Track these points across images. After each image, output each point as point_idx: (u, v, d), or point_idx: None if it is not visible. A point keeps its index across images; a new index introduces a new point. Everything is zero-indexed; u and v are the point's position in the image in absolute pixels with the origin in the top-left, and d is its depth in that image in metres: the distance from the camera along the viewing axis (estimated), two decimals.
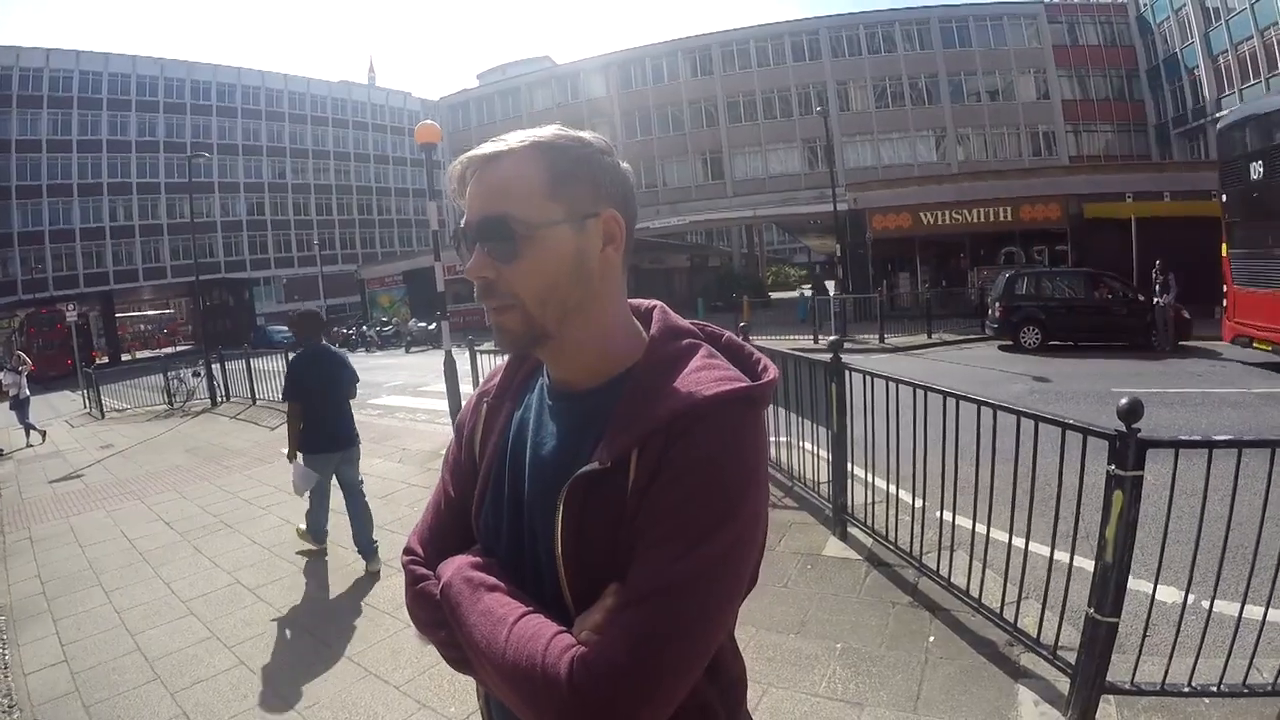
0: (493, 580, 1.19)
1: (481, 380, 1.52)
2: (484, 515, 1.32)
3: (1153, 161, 45.54)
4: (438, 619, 1.23)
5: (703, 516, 1.06)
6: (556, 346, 1.23)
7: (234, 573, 6.81)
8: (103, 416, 20.86)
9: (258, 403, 17.95)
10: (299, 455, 6.71)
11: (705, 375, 1.15)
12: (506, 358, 1.45)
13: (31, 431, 17.31)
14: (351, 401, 7.08)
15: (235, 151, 71.68)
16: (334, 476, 6.87)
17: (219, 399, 19.80)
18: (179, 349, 58.33)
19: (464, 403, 1.55)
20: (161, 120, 67.18)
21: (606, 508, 1.11)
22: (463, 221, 1.22)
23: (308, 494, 6.85)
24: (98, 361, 31.42)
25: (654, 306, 1.35)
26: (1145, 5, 50.77)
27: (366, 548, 6.63)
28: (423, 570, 1.33)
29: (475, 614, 1.14)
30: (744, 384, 1.14)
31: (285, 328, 54.03)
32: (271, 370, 17.40)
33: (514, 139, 1.20)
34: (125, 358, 53.97)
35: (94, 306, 56.81)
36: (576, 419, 1.23)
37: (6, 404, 17.99)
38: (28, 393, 18.00)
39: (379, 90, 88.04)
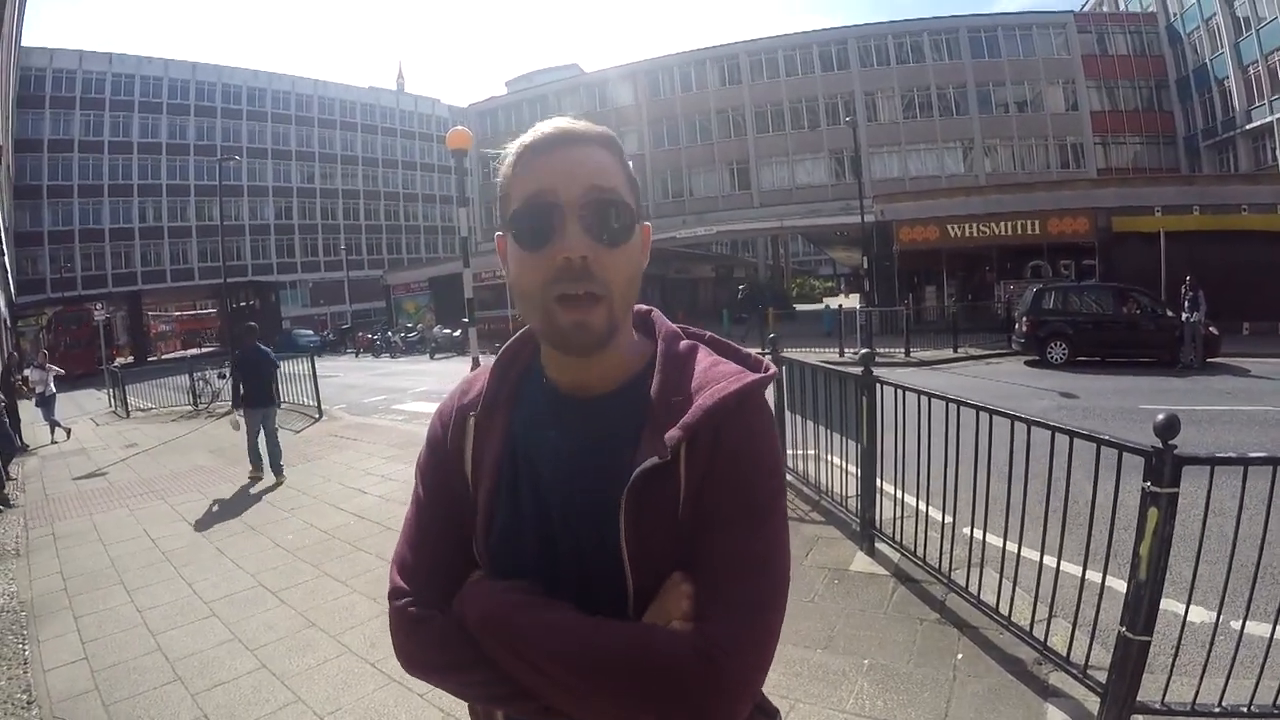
0: (543, 599, 1.16)
1: (457, 392, 1.39)
2: (495, 538, 1.24)
3: (1182, 174, 45.14)
4: (454, 660, 1.19)
5: (762, 494, 1.16)
6: (605, 349, 1.20)
7: (256, 575, 6.84)
8: (128, 416, 21.11)
9: (282, 406, 17.94)
10: (239, 411, 11.30)
11: (723, 370, 1.22)
12: (488, 367, 1.35)
13: (57, 429, 17.52)
14: (278, 373, 12.30)
15: (264, 155, 72.44)
16: (261, 424, 11.01)
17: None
18: (205, 350, 58.74)
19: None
20: (192, 123, 68.05)
21: (663, 501, 1.14)
22: (529, 196, 1.16)
23: (245, 434, 11.13)
24: (119, 361, 31.58)
25: (649, 310, 1.38)
26: (1175, 15, 50.34)
27: (276, 467, 10.85)
28: (423, 611, 1.23)
29: (547, 632, 1.11)
30: (759, 376, 1.21)
31: (311, 332, 54.73)
32: (297, 374, 17.54)
33: (591, 127, 1.20)
34: (152, 358, 54.32)
35: (121, 306, 57.33)
36: (603, 422, 1.22)
37: (33, 400, 18.21)
38: (54, 389, 18.20)
39: (408, 96, 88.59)
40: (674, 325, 1.34)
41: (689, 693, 1.05)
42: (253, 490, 10.38)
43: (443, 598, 1.23)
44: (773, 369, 1.25)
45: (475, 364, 10.94)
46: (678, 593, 1.12)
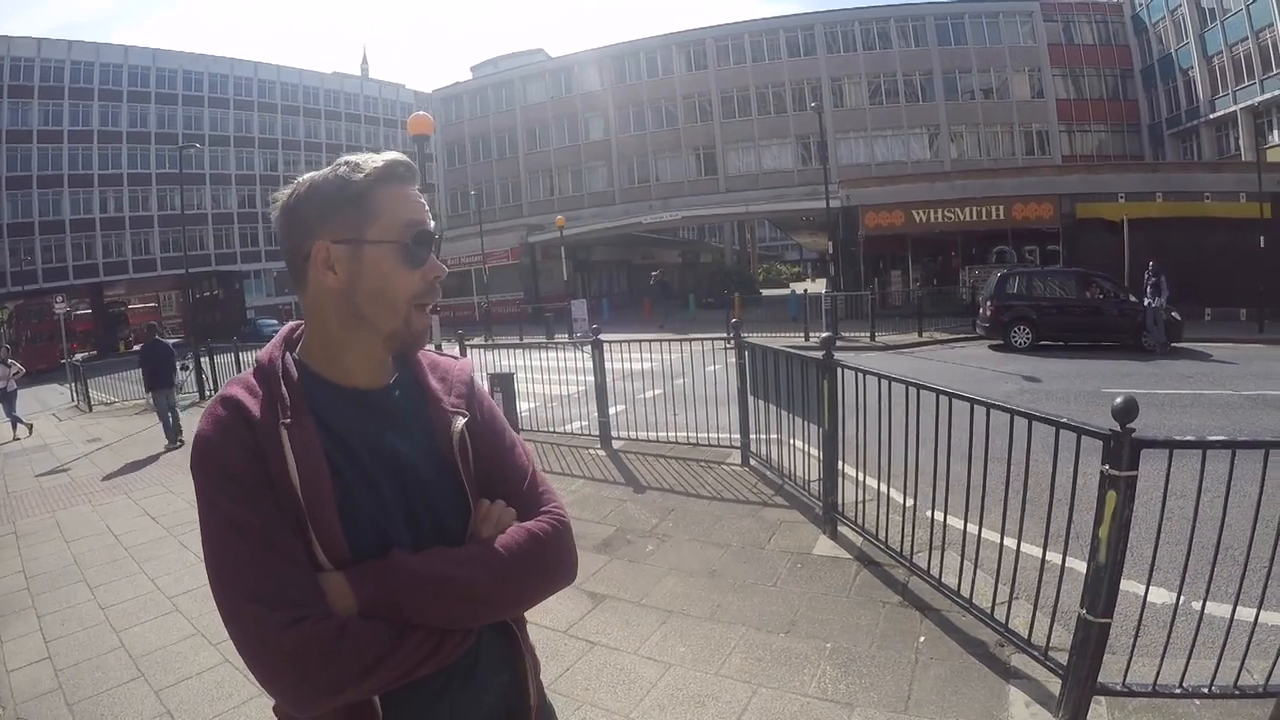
0: (426, 555, 1.35)
1: (229, 421, 1.32)
2: (354, 525, 1.30)
3: (1146, 162, 45.72)
4: (385, 648, 1.24)
5: (507, 429, 1.64)
6: None
7: None
8: (90, 410, 20.77)
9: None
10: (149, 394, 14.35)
11: (444, 358, 1.65)
12: (253, 377, 1.38)
13: (18, 425, 17.23)
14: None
15: (227, 143, 71.61)
16: (166, 401, 13.83)
17: (208, 392, 19.71)
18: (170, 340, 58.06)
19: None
20: (153, 111, 67.06)
21: (466, 449, 1.49)
22: (418, 224, 1.43)
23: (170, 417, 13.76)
24: (78, 355, 31.18)
25: None
26: (1140, 5, 50.82)
27: (174, 433, 13.68)
28: (337, 619, 1.22)
29: (465, 565, 1.35)
30: (467, 360, 1.71)
31: (276, 321, 54.26)
32: None
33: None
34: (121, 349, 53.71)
35: (83, 298, 56.60)
36: (400, 404, 1.48)
37: None
38: (15, 386, 17.91)
39: (372, 82, 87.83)
40: None
41: (567, 548, 1.51)
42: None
43: (328, 607, 1.23)
44: (469, 357, 1.58)
45: (439, 351, 10.85)
46: (498, 508, 1.48)
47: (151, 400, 14.29)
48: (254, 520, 1.24)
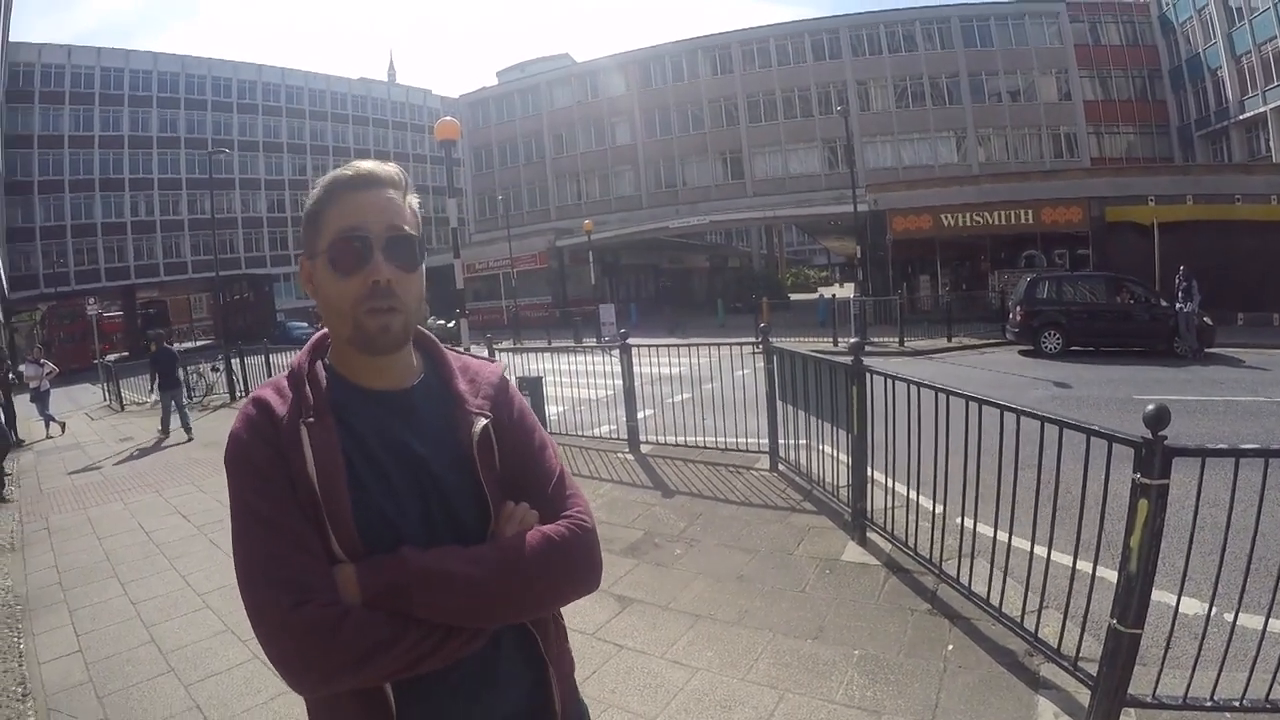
0: (436, 552, 1.37)
1: (257, 418, 1.43)
2: (366, 520, 1.36)
3: (1175, 164, 45.20)
4: (385, 638, 1.28)
5: (542, 435, 1.66)
6: (402, 353, 1.51)
7: None
8: (122, 409, 21.03)
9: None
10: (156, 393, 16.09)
11: (475, 361, 1.69)
12: (286, 380, 1.49)
13: (51, 423, 17.50)
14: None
15: (256, 148, 72.26)
16: (173, 400, 15.58)
17: (238, 394, 19.93)
18: (199, 344, 58.64)
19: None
20: (183, 116, 67.76)
21: (490, 450, 1.51)
22: (341, 231, 1.42)
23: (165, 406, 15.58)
24: (110, 355, 31.55)
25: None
26: (1168, 4, 50.37)
27: (187, 429, 15.26)
28: (340, 607, 1.28)
29: (472, 563, 1.37)
30: (501, 363, 1.84)
31: (305, 324, 54.63)
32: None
33: (391, 169, 1.51)
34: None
35: (115, 300, 57.16)
36: (423, 406, 1.51)
37: (28, 395, 18.20)
38: (48, 385, 18.18)
39: (399, 87, 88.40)
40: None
41: (587, 553, 1.52)
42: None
43: (336, 595, 1.30)
44: (502, 360, 1.76)
45: (468, 354, 10.90)
46: (522, 510, 1.50)
47: (160, 399, 16.00)
48: (273, 512, 1.34)
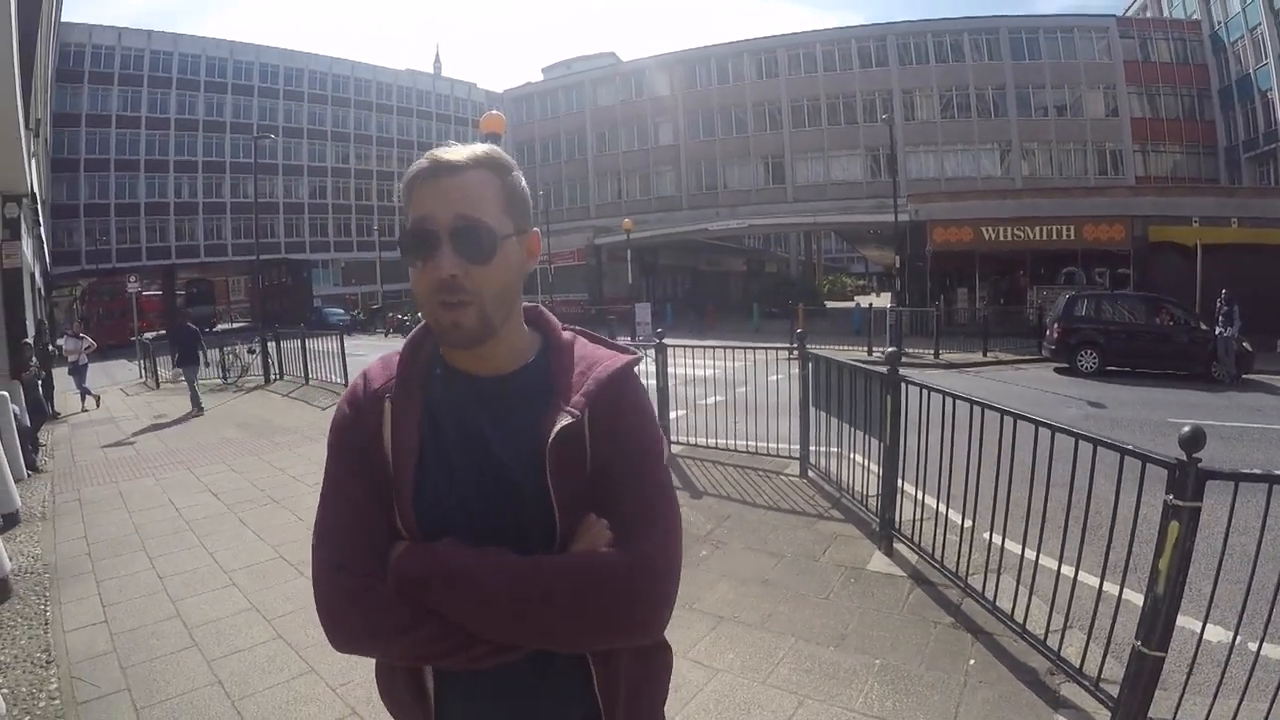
0: (481, 549, 1.32)
1: (360, 384, 1.51)
2: (427, 505, 1.37)
3: (1221, 185, 44.55)
4: (404, 622, 1.31)
5: (651, 446, 1.45)
6: (495, 341, 1.41)
7: (278, 547, 6.93)
8: (158, 386, 21.33)
9: (311, 382, 18.20)
10: (177, 369, 17.58)
11: (603, 352, 1.50)
12: (394, 357, 1.51)
13: (87, 397, 17.80)
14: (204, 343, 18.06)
15: (300, 135, 72.59)
16: (195, 375, 16.74)
17: (273, 377, 20.19)
18: (235, 325, 59.17)
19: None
20: (229, 101, 68.21)
21: (575, 454, 1.37)
22: (410, 220, 1.37)
23: (184, 382, 16.86)
24: (148, 333, 31.94)
25: (536, 306, 1.60)
26: (1219, 23, 49.54)
27: (196, 403, 16.19)
28: (365, 581, 1.33)
29: (495, 570, 1.29)
30: (632, 356, 1.52)
31: (342, 310, 55.02)
32: (326, 351, 17.75)
33: (467, 152, 1.39)
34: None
35: (155, 279, 57.73)
36: (516, 394, 1.44)
37: (65, 369, 18.49)
38: (86, 360, 18.49)
39: (444, 80, 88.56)
40: (556, 320, 1.59)
41: (633, 592, 1.31)
42: (277, 463, 10.43)
43: (374, 568, 1.34)
44: (638, 352, 1.53)
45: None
46: (598, 528, 1.35)
47: (183, 375, 17.10)
48: (343, 480, 1.43)
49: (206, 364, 18.77)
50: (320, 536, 1.41)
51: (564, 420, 1.35)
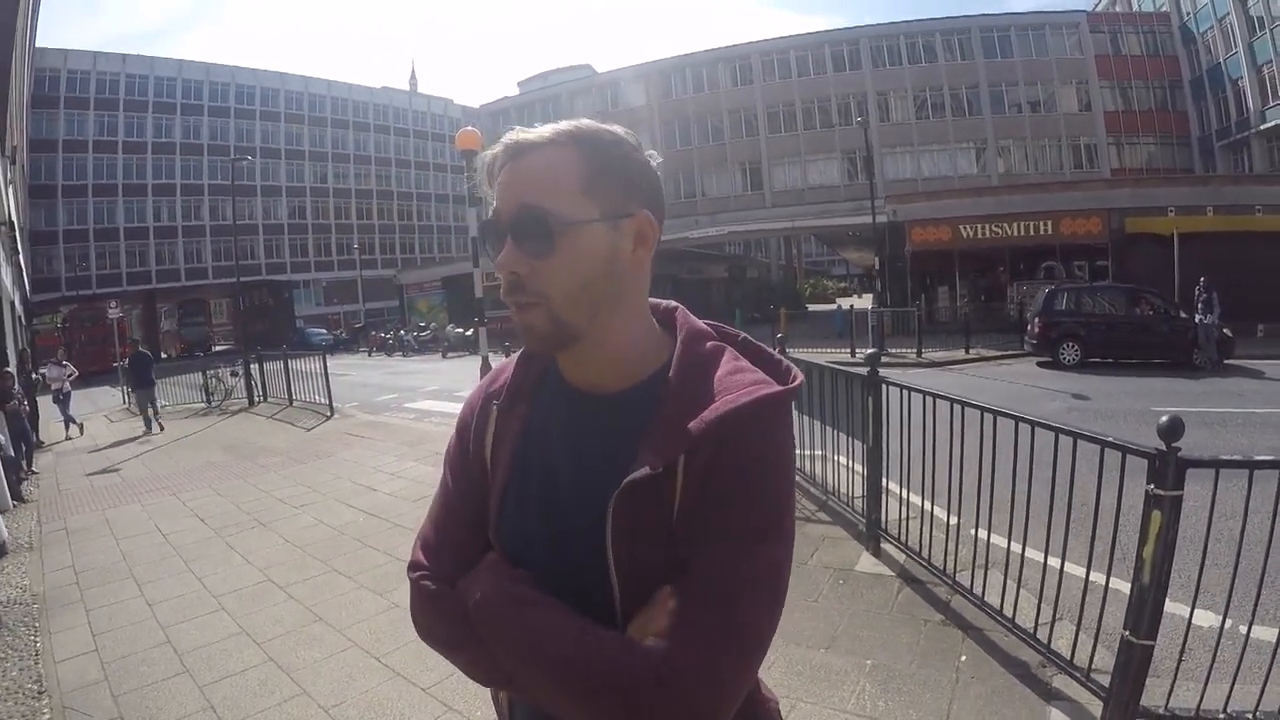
0: (535, 595, 1.16)
1: (486, 381, 1.43)
2: (505, 523, 1.26)
3: (1196, 175, 44.88)
4: (458, 637, 1.22)
5: (759, 516, 1.10)
6: (585, 348, 1.19)
7: (265, 570, 6.89)
8: (140, 414, 21.17)
9: (295, 404, 18.15)
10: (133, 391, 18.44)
11: (740, 379, 1.15)
12: (515, 357, 1.36)
13: (71, 424, 17.73)
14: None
15: (278, 155, 72.67)
16: (148, 398, 17.63)
17: (256, 399, 20.10)
18: (219, 348, 58.96)
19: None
20: (206, 123, 68.32)
21: (655, 511, 1.10)
22: (490, 212, 1.19)
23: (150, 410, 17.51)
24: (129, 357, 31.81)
25: (675, 308, 1.34)
26: (1188, 14, 49.87)
27: (149, 422, 17.31)
28: (437, 586, 1.25)
29: (526, 630, 1.12)
30: (778, 389, 1.14)
31: (324, 330, 54.89)
32: (309, 372, 17.70)
33: (549, 130, 1.16)
34: (164, 355, 54.63)
35: (136, 304, 57.48)
36: (610, 421, 1.20)
37: (49, 397, 18.41)
38: (69, 387, 18.43)
39: (420, 97, 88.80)
40: (702, 325, 1.30)
41: (641, 714, 1.03)
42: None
43: (457, 575, 1.26)
44: (796, 380, 1.20)
45: (485, 363, 11.00)
46: (663, 608, 1.07)
47: (135, 398, 18.33)
48: (449, 476, 1.39)
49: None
50: (418, 535, 1.38)
51: (640, 472, 1.08)
